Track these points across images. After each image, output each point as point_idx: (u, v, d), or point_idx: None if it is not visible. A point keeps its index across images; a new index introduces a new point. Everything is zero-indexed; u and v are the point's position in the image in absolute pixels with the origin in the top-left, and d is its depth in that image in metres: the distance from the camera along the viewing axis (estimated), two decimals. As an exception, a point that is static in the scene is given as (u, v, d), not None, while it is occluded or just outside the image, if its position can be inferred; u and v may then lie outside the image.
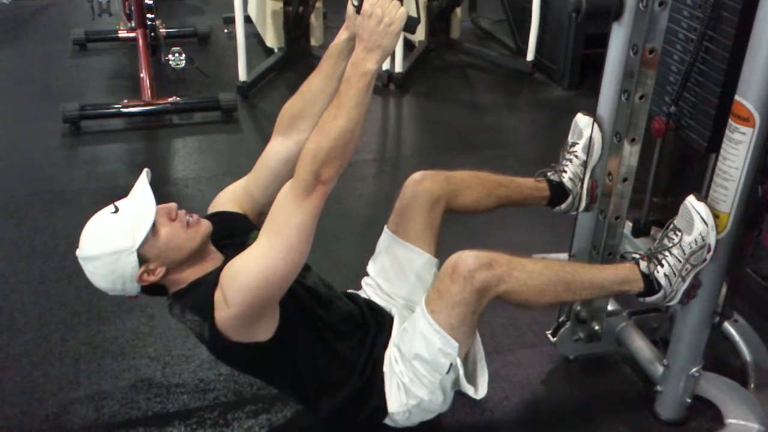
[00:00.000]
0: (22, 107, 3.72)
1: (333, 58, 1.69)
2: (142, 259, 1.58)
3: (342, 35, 1.67)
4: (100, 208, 2.78)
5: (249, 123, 3.65)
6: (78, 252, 1.62)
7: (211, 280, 1.58)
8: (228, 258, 1.62)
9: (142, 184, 1.64)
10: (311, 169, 1.47)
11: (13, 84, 3.97)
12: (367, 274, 1.97)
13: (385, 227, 1.93)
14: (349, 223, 2.74)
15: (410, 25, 1.50)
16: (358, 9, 1.49)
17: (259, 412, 1.93)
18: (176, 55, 3.84)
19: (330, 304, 1.77)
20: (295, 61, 4.21)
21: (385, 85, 3.97)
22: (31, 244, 2.61)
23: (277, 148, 1.80)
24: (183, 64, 3.86)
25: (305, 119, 1.74)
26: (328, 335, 1.72)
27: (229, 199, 1.85)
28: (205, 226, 1.65)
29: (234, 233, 1.74)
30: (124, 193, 2.91)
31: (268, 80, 4.01)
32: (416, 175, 1.90)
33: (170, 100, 3.56)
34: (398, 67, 3.97)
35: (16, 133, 3.45)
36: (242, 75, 3.79)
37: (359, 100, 1.47)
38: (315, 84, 1.72)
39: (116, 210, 1.61)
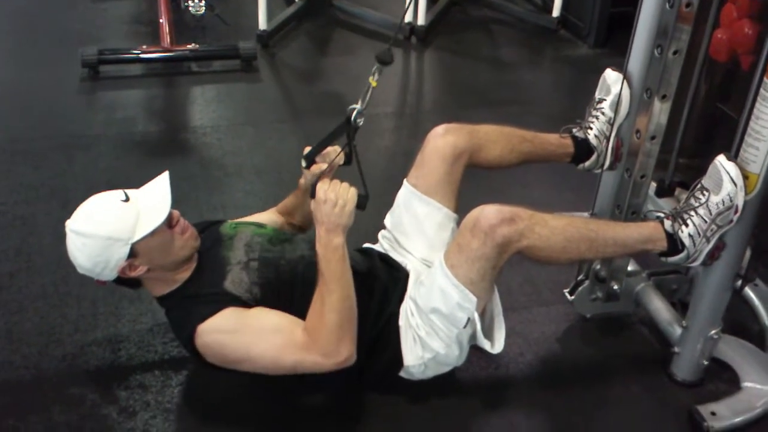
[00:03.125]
0: (41, 51, 3.69)
1: (302, 192, 1.87)
2: (132, 253, 1.59)
3: (301, 182, 1.85)
4: (118, 153, 2.85)
5: (268, 72, 3.60)
6: (70, 223, 1.62)
7: (191, 323, 1.61)
8: (202, 262, 1.71)
9: (163, 184, 1.64)
10: (335, 341, 1.59)
11: (31, 28, 3.94)
12: (384, 227, 1.97)
13: (405, 180, 1.91)
14: (367, 177, 2.70)
15: (361, 202, 1.62)
16: (312, 194, 1.61)
17: (274, 360, 1.94)
18: (196, 1, 3.77)
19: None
20: (315, 11, 4.14)
21: (406, 37, 3.90)
22: (50, 187, 2.62)
23: (274, 217, 1.99)
24: (203, 11, 3.80)
25: (292, 216, 1.98)
26: None
27: None
28: (196, 238, 1.70)
29: (211, 236, 1.80)
30: (142, 139, 2.97)
31: (289, 29, 3.95)
32: (439, 128, 1.87)
33: (189, 47, 3.52)
34: (420, 20, 3.90)
35: (35, 76, 3.43)
36: (262, 23, 3.73)
37: (342, 271, 1.61)
38: (292, 202, 1.96)
39: (126, 199, 1.62)
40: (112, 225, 1.58)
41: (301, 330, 1.61)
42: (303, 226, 1.98)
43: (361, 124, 1.65)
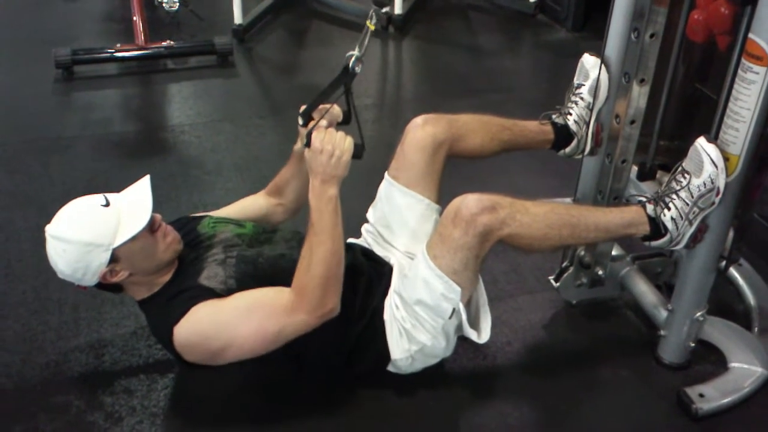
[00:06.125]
0: (13, 52, 3.64)
1: (296, 158, 1.82)
2: (113, 259, 1.57)
3: (295, 148, 1.81)
4: (95, 156, 2.81)
5: (245, 67, 3.57)
6: (50, 228, 1.59)
7: (168, 325, 1.59)
8: (181, 265, 1.68)
9: (144, 189, 1.62)
10: (321, 294, 1.56)
11: (2, 28, 3.88)
12: (367, 221, 1.95)
13: (386, 173, 1.90)
14: (351, 167, 2.69)
15: (358, 151, 1.58)
16: (308, 144, 1.56)
17: (260, 359, 1.92)
18: (169, -3, 3.75)
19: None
20: (291, 3, 4.12)
21: (384, 27, 3.88)
22: (26, 192, 2.58)
23: (261, 202, 1.95)
24: (176, 7, 3.78)
25: (283, 194, 1.93)
26: None
27: None
28: (179, 242, 1.68)
29: (189, 236, 1.78)
30: (120, 140, 2.94)
31: (264, 23, 3.92)
32: (418, 119, 1.85)
33: (164, 44, 3.48)
34: (398, 9, 3.88)
35: (8, 79, 3.39)
36: (237, 18, 3.70)
37: (335, 223, 1.58)
38: (286, 173, 1.89)
39: (107, 203, 1.59)
40: (92, 230, 1.56)
41: (287, 293, 1.58)
42: (294, 207, 1.93)
43: (359, 71, 1.57)
